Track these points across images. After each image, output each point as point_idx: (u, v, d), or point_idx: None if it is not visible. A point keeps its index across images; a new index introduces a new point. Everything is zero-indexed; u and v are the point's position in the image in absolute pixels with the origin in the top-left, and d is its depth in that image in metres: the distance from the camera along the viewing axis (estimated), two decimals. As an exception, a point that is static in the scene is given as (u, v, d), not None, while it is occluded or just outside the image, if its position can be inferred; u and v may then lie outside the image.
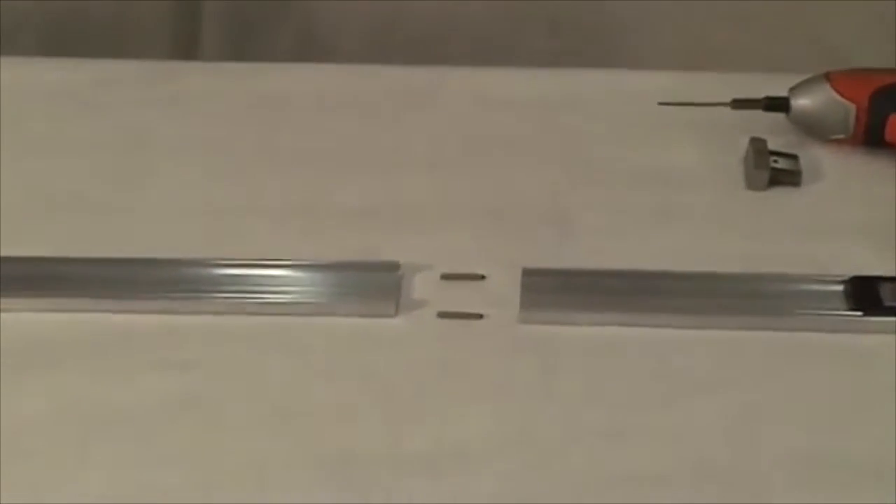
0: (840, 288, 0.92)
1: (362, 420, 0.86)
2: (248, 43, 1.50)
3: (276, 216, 1.00)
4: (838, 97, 1.03)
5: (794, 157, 1.03)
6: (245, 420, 0.86)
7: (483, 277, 0.95)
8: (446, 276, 0.95)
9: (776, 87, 1.05)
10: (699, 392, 0.87)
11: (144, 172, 1.05)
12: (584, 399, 0.87)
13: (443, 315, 0.92)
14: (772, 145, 1.03)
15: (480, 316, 0.92)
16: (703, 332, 0.90)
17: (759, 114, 1.05)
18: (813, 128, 1.05)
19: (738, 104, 1.05)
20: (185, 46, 1.49)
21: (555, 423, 0.85)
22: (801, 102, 1.04)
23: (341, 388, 0.88)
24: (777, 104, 1.05)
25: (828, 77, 1.04)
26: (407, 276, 0.95)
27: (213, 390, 0.88)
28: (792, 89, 1.05)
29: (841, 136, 1.04)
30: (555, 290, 0.93)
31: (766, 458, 0.83)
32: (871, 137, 1.03)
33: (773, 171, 1.01)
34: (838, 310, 0.90)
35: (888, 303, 0.90)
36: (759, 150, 1.02)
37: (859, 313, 0.90)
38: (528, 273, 0.94)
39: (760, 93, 1.05)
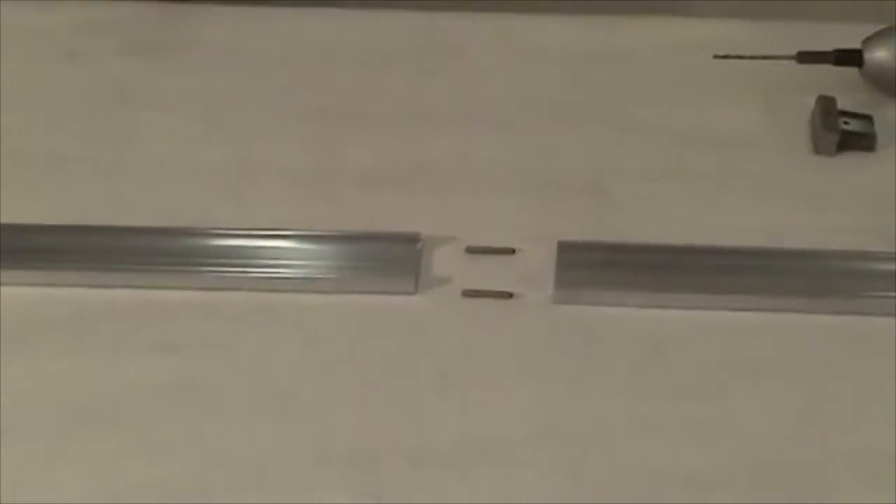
0: (918, 267, 0.92)
1: (377, 411, 0.86)
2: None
3: (281, 180, 1.00)
4: (919, 49, 1.03)
5: (867, 118, 1.02)
6: (245, 410, 0.86)
7: (514, 251, 0.95)
8: (472, 250, 0.95)
9: (847, 38, 1.04)
10: (758, 382, 0.87)
11: (132, 129, 1.05)
12: (628, 389, 0.87)
13: (468, 293, 0.92)
14: (842, 104, 1.03)
15: (511, 295, 0.92)
16: (762, 315, 0.90)
17: (827, 69, 1.04)
18: (889, 84, 1.04)
19: (805, 57, 1.04)
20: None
21: (595, 416, 0.85)
22: (876, 55, 1.04)
23: (354, 374, 0.88)
24: (849, 57, 1.04)
25: (906, 27, 1.04)
26: (427, 248, 0.95)
27: (210, 376, 0.88)
28: (865, 41, 1.04)
29: (920, 95, 1.04)
30: (594, 267, 0.93)
31: (833, 457, 0.83)
32: (955, 96, 1.03)
33: (843, 134, 1.01)
34: (915, 292, 0.91)
35: (972, 284, 0.90)
36: (827, 110, 1.02)
37: (939, 296, 0.90)
38: (564, 247, 0.93)
39: (829, 45, 1.04)
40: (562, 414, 0.85)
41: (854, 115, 1.02)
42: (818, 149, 1.01)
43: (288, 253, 0.94)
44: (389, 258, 0.93)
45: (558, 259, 0.93)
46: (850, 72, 1.04)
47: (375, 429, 0.85)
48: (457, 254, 0.95)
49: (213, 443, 0.85)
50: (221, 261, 0.93)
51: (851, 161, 1.01)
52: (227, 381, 0.88)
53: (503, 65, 1.09)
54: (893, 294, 0.90)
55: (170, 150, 1.03)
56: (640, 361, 0.88)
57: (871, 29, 1.04)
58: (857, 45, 1.04)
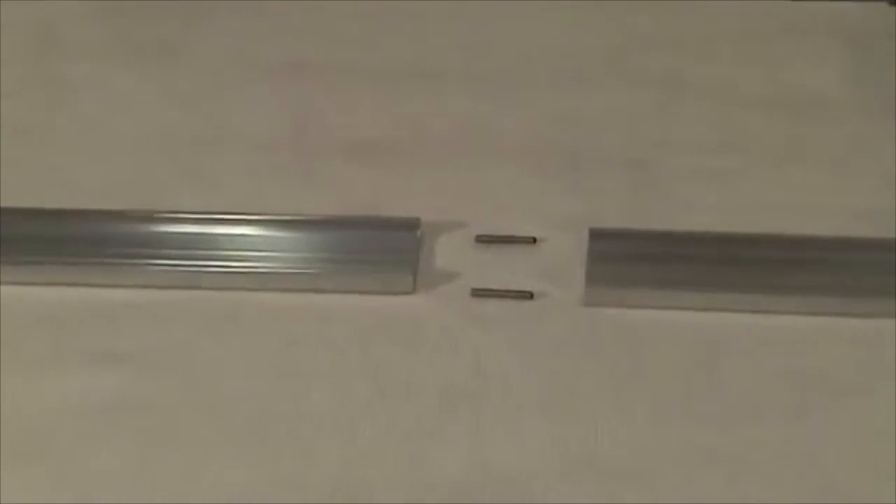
0: None
1: (368, 437, 0.86)
2: None
3: (249, 151, 1.00)
4: None
5: (973, 77, 1.03)
6: (206, 435, 0.86)
7: (534, 241, 0.95)
8: (484, 239, 0.95)
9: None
10: (835, 401, 0.86)
11: (64, 84, 1.05)
12: (677, 410, 0.86)
13: (479, 293, 0.93)
14: (942, 60, 1.03)
15: (531, 295, 0.92)
16: (840, 321, 0.90)
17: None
18: None
19: (898, 1, 1.05)
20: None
21: (636, 444, 0.85)
22: None
23: (339, 392, 0.88)
24: (951, 2, 1.05)
25: None
26: (429, 236, 0.95)
27: (163, 393, 0.88)
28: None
29: None
30: (634, 260, 0.93)
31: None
32: None
33: (942, 98, 1.01)
34: None
35: None
36: (922, 68, 1.02)
37: None
38: (597, 236, 0.94)
39: (927, -14, 1.05)
40: (594, 441, 0.85)
41: (958, 74, 1.02)
42: (911, 115, 1.02)
43: (258, 243, 0.94)
44: (383, 249, 0.93)
45: (590, 250, 0.93)
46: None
47: (366, 458, 0.85)
48: (465, 243, 0.95)
49: (166, 475, 0.84)
50: (176, 252, 0.94)
51: (953, 131, 1.01)
52: (183, 399, 0.88)
53: (523, 12, 1.09)
54: None
55: (112, 111, 1.03)
56: (691, 376, 0.88)
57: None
58: (966, -15, 1.04)
